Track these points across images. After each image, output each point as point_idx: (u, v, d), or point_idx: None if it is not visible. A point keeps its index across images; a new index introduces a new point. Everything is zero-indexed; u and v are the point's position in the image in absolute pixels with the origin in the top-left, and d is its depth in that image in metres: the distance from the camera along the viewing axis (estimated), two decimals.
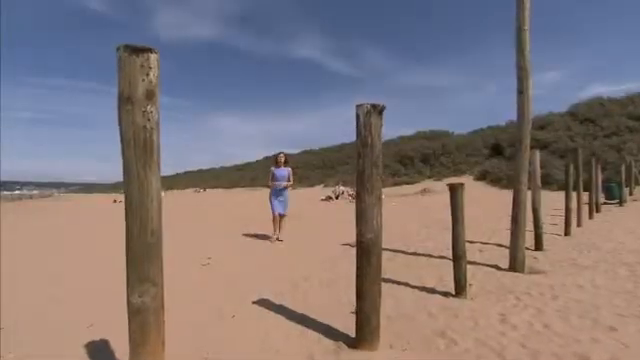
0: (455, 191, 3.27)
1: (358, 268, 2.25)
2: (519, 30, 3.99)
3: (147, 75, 1.28)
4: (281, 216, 6.47)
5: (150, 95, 1.28)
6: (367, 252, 2.18)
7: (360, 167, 2.15)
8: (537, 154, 5.19)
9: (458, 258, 3.28)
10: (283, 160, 6.45)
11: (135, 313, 1.31)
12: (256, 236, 6.99)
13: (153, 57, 1.29)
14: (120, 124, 1.28)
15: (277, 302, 3.22)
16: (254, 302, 3.22)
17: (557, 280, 3.55)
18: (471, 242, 5.33)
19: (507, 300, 3.07)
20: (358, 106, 2.17)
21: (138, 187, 1.27)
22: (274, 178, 6.41)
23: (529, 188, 4.34)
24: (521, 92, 4.02)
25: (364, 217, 2.16)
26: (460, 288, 3.27)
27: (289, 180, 6.50)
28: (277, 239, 6.39)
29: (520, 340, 2.32)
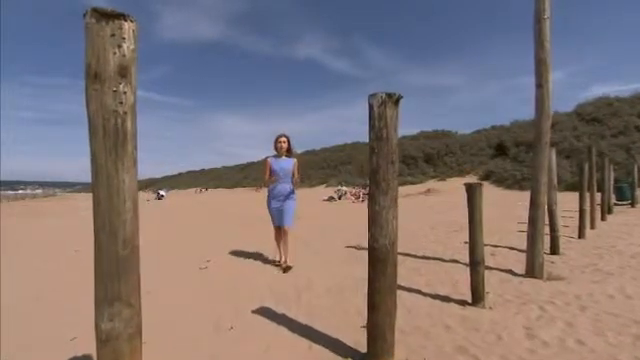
0: (473, 191, 3.01)
1: (371, 278, 1.99)
2: (538, 19, 3.72)
3: (119, 47, 1.03)
4: (284, 229, 4.44)
5: (123, 72, 1.03)
6: (381, 260, 1.93)
7: (374, 164, 1.89)
8: (553, 152, 4.92)
9: (476, 264, 3.02)
10: (286, 146, 4.39)
11: (104, 341, 1.06)
12: (258, 238, 6.71)
13: (127, 26, 1.04)
14: (87, 107, 1.03)
15: (279, 311, 2.97)
16: (254, 311, 2.97)
17: (582, 288, 3.28)
18: None
19: (530, 311, 2.81)
20: (371, 96, 1.92)
21: (107, 186, 1.02)
22: (273, 173, 4.33)
23: None
24: (540, 86, 3.75)
25: (378, 220, 1.91)
26: (478, 297, 3.01)
27: (294, 176, 4.45)
28: (283, 266, 4.37)
29: (553, 359, 2.06)
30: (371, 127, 1.92)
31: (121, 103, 1.03)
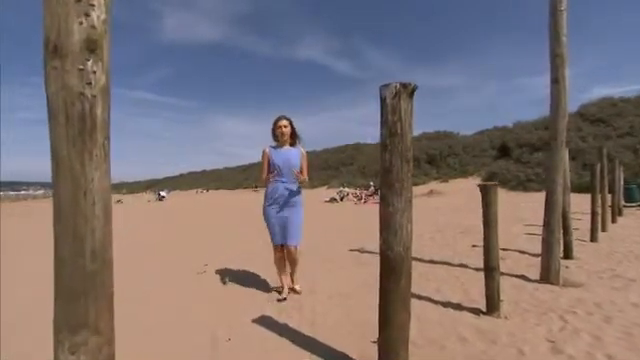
0: (488, 193, 2.82)
1: (383, 289, 1.80)
2: (554, 11, 3.53)
3: (87, 15, 0.84)
4: (289, 249, 3.30)
5: (92, 46, 0.84)
6: (395, 269, 1.74)
7: (387, 162, 1.70)
8: (566, 152, 4.72)
9: (491, 270, 2.82)
10: (288, 132, 3.26)
11: None
12: (258, 242, 6.50)
13: None
14: (46, 89, 0.84)
15: (281, 321, 2.78)
16: (254, 321, 2.78)
17: (603, 296, 3.08)
18: None
19: (551, 321, 2.61)
20: (384, 86, 1.73)
21: (71, 185, 0.83)
22: (272, 168, 3.23)
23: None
24: (556, 81, 3.56)
25: (391, 225, 1.71)
26: (493, 306, 2.82)
27: (302, 173, 3.27)
28: (286, 294, 3.32)
29: None
30: (383, 122, 1.73)
31: (89, 84, 0.84)
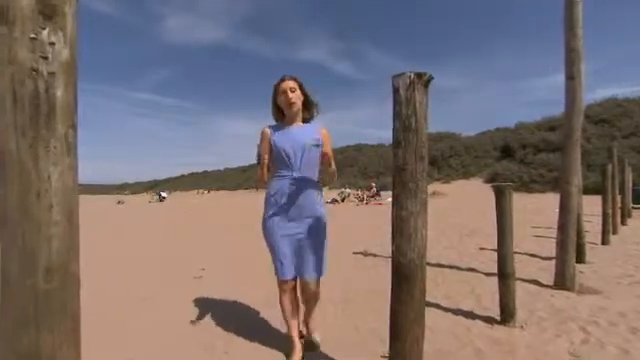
0: (502, 194, 2.65)
1: (394, 300, 1.62)
2: (569, 4, 3.37)
3: None
4: (307, 285, 2.08)
5: (48, 11, 0.67)
6: (408, 278, 1.56)
7: (400, 160, 1.53)
8: (578, 152, 4.54)
9: (507, 277, 2.65)
10: (298, 97, 2.04)
11: None
12: (258, 245, 6.30)
13: None
14: None
15: (282, 330, 2.60)
16: (252, 331, 2.61)
17: (625, 304, 2.90)
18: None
19: (571, 332, 2.43)
20: (397, 76, 1.56)
21: (19, 184, 0.66)
22: (276, 157, 2.05)
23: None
24: (572, 78, 3.38)
25: (405, 229, 1.54)
26: (508, 314, 2.64)
27: (326, 160, 2.17)
28: (299, 356, 2.09)
29: None
30: (396, 115, 1.56)
31: (45, 58, 0.67)
